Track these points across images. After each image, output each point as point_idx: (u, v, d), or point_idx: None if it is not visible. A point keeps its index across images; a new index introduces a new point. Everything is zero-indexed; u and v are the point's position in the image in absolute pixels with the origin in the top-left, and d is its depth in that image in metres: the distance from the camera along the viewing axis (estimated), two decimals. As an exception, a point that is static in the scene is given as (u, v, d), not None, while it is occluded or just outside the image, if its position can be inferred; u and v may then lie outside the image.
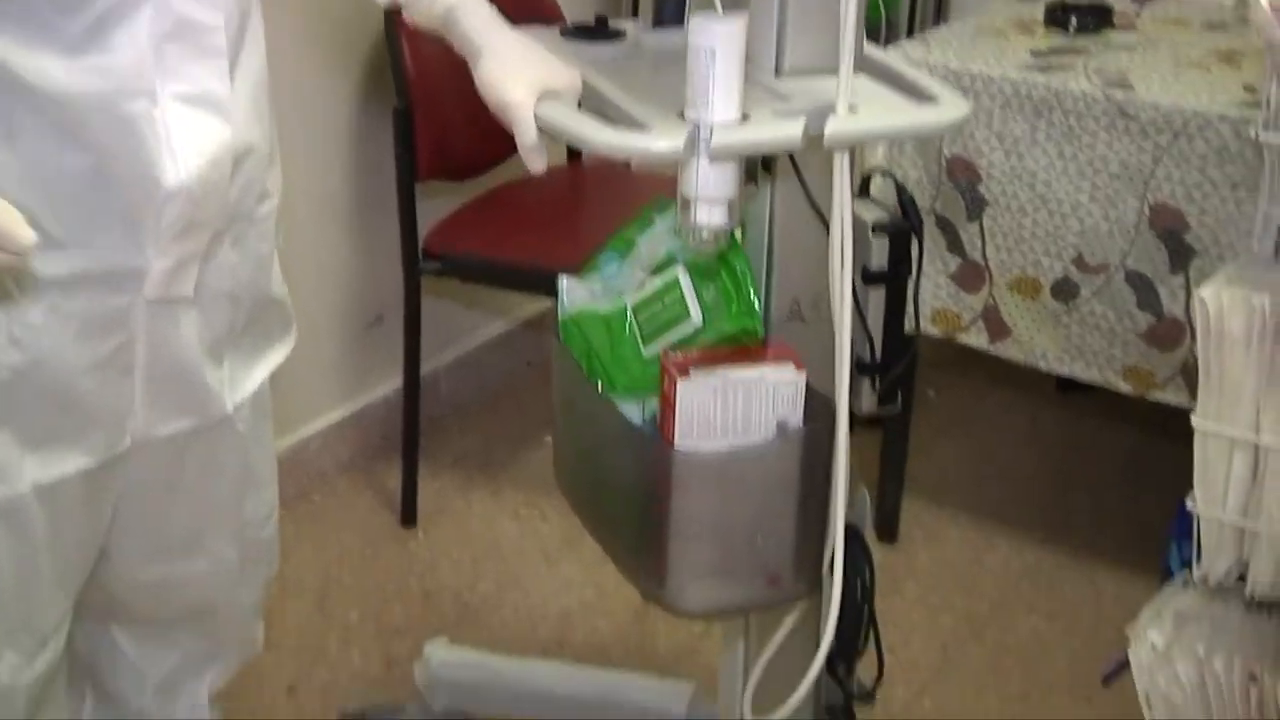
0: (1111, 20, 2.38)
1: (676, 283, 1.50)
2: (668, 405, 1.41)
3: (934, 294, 2.33)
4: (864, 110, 1.32)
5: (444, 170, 2.51)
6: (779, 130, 1.30)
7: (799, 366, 1.43)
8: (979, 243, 2.27)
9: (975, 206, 2.26)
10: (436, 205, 2.55)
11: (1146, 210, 2.10)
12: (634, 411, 1.52)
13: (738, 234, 1.46)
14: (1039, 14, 2.42)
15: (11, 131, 1.13)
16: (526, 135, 1.29)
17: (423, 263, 2.47)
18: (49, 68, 1.11)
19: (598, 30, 1.55)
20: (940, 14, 2.84)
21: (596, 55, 1.49)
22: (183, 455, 1.37)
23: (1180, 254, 2.09)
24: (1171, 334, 2.12)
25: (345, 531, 2.58)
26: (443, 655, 1.98)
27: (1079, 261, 2.19)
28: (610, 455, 1.56)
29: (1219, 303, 1.38)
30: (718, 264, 1.47)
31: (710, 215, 1.29)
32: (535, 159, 1.31)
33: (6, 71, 1.11)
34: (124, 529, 1.38)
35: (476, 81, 1.32)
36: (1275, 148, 1.40)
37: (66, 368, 1.21)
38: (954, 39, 2.35)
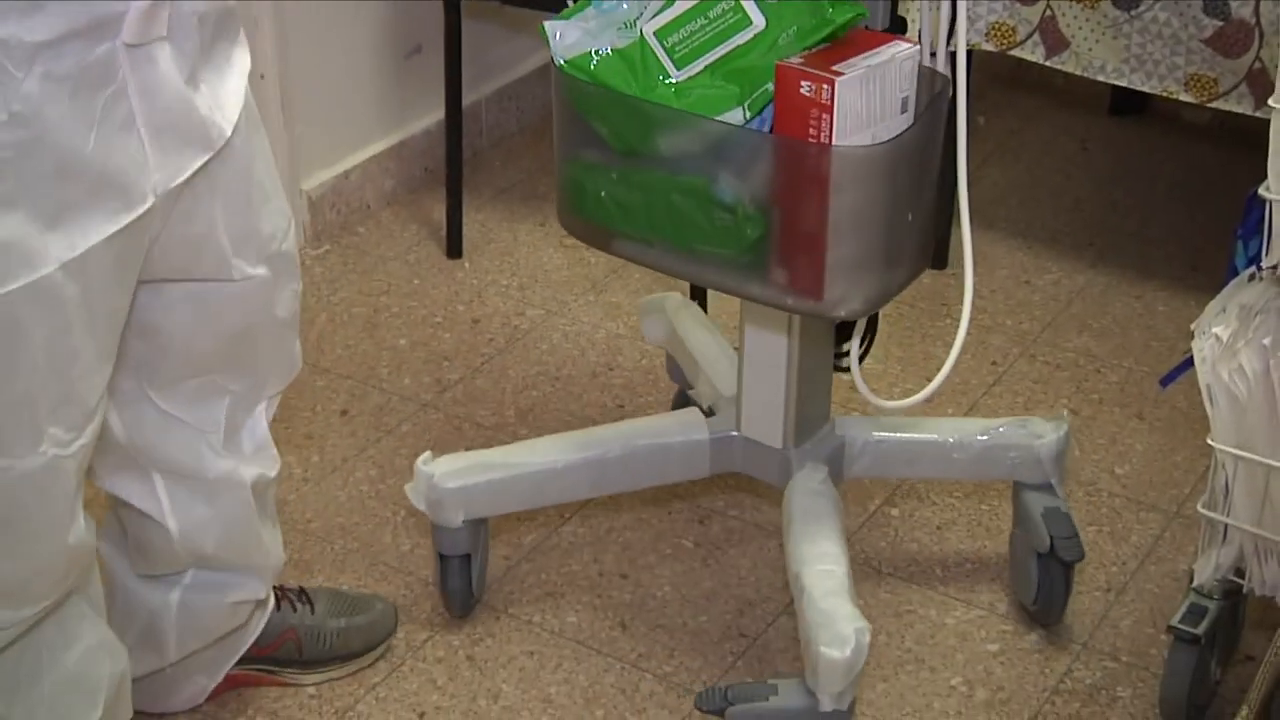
0: None
1: None
2: (818, 108, 1.38)
3: (989, 7, 2.25)
4: None
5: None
6: None
7: (910, 42, 1.42)
8: (1037, -50, 2.19)
9: (1034, -89, 2.17)
10: (473, -75, 2.48)
11: (1216, -93, 2.02)
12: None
13: None
14: None
15: None
16: None
17: (461, -16, 2.41)
18: None
19: None
20: None
21: None
22: (196, 188, 1.34)
23: (1251, -48, 2.01)
24: (1239, 38, 2.05)
25: (391, 263, 2.58)
26: (441, 468, 1.79)
27: (1142, -34, 2.11)
28: (720, 181, 1.50)
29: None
30: None
31: None
32: None
33: None
34: (152, 263, 1.36)
35: None
36: None
37: (69, 133, 1.17)
38: None
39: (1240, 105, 2.10)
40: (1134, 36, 2.15)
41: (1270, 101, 1.39)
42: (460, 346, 2.37)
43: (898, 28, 1.60)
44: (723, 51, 1.46)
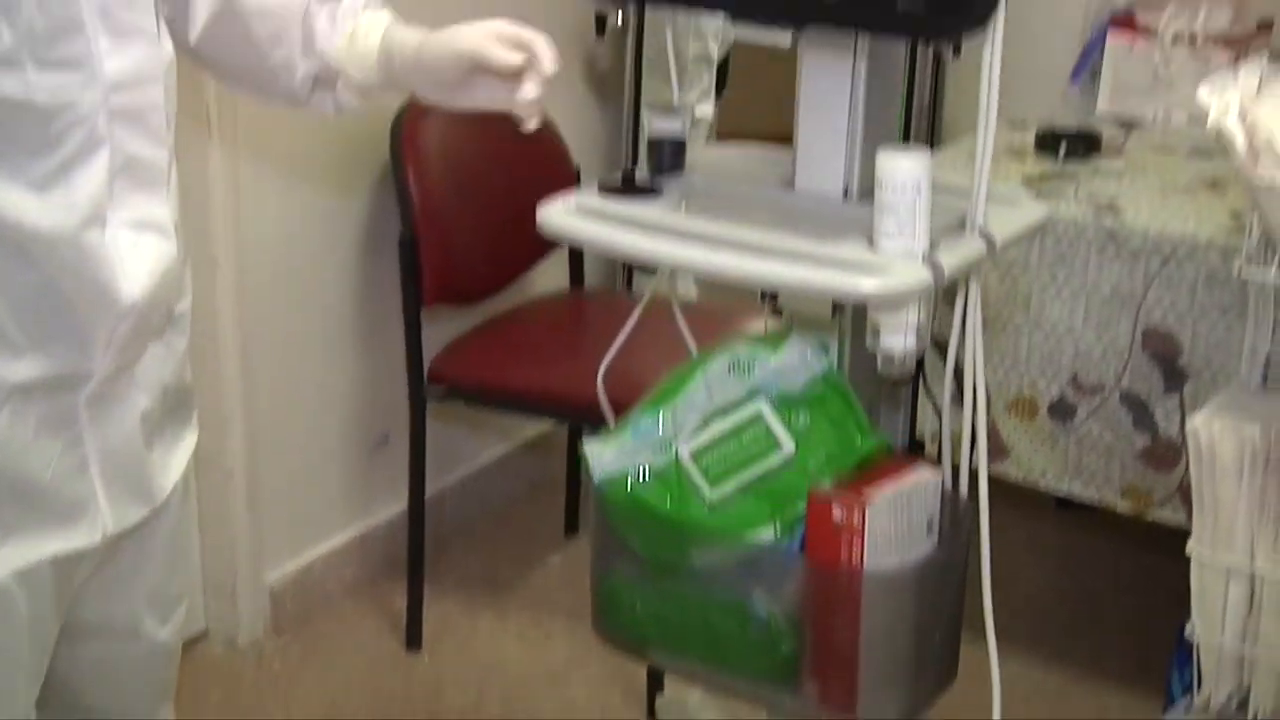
0: (1100, 147, 2.44)
1: (759, 417, 1.55)
2: (849, 532, 1.46)
3: (933, 418, 2.35)
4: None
5: (449, 297, 2.55)
6: (972, 249, 1.45)
7: (933, 467, 1.51)
8: (976, 364, 2.31)
9: (971, 329, 2.30)
10: (442, 328, 2.59)
11: (1139, 333, 2.14)
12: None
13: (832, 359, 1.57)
14: (1030, 141, 2.47)
15: None
16: (501, 60, 1.37)
17: (428, 388, 2.51)
18: (20, 203, 1.23)
19: (639, 186, 1.59)
20: (934, 138, 2.91)
21: (667, 207, 1.55)
22: (133, 542, 1.44)
23: (1174, 376, 2.12)
24: (1168, 455, 2.15)
25: (351, 655, 2.59)
26: None
27: (1075, 382, 2.22)
28: (753, 598, 1.56)
29: (1210, 432, 1.41)
30: (811, 392, 1.53)
31: (907, 340, 1.42)
32: (530, 88, 1.38)
33: None
34: (76, 609, 1.43)
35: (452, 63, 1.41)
36: (1258, 284, 1.43)
37: (28, 467, 1.30)
38: (948, 163, 2.40)
39: (1175, 517, 2.17)
40: (1071, 448, 2.24)
41: (1189, 549, 1.45)
42: (416, 745, 2.36)
43: (916, 449, 1.70)
44: (755, 473, 1.54)
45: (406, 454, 2.57)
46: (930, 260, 1.40)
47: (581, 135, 2.95)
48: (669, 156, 1.60)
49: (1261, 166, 1.33)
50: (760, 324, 2.49)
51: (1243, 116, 1.35)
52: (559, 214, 1.53)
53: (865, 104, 1.54)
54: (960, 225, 1.50)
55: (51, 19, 1.20)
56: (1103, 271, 2.15)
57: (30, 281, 1.26)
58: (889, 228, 1.39)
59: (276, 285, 2.54)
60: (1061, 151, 2.40)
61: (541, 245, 2.74)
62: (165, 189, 1.35)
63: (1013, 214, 1.58)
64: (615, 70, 3.05)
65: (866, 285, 1.39)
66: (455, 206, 2.55)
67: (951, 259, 1.43)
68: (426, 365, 2.51)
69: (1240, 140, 1.34)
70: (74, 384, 1.31)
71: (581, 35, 2.94)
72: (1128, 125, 2.61)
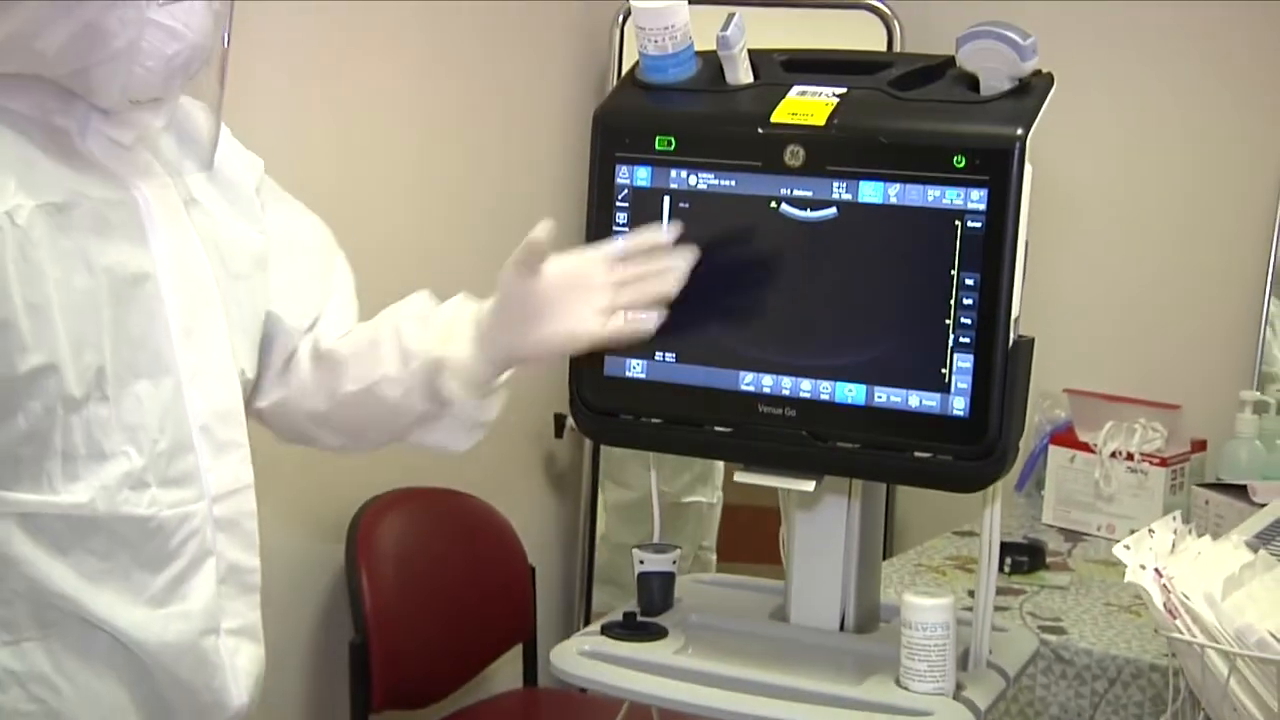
0: (1044, 560, 2.47)
1: None
2: None
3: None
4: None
5: (399, 702, 2.53)
6: (994, 685, 1.47)
7: None
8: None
9: None
10: (390, 734, 2.56)
11: (1090, 757, 2.13)
12: None
13: None
14: (976, 551, 2.50)
15: (117, 669, 1.32)
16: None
17: (372, 799, 2.46)
18: (144, 620, 1.33)
19: (643, 626, 1.60)
20: (886, 549, 2.95)
21: (675, 648, 1.55)
22: None
23: (1127, 802, 2.10)
24: None
25: None
26: None
27: (1028, 804, 2.19)
28: None
29: None
30: None
31: None
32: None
33: (110, 624, 1.31)
34: None
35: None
36: (1188, 735, 1.44)
37: None
38: (895, 575, 2.44)
39: None
40: None
41: None
42: None
43: None
44: None
45: None
46: (965, 700, 1.42)
47: (537, 533, 3.00)
48: (660, 594, 1.63)
49: (1178, 624, 1.35)
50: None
51: (1159, 573, 1.39)
52: (572, 659, 1.54)
53: (860, 538, 1.58)
54: (964, 657, 1.51)
55: (169, 440, 1.33)
56: (1050, 690, 2.15)
57: (152, 695, 1.34)
58: (919, 669, 1.43)
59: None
60: (1007, 565, 2.43)
61: (496, 645, 2.76)
62: (257, 595, 1.44)
63: (1006, 641, 1.60)
64: (573, 468, 3.12)
65: None
66: (408, 608, 2.56)
67: (981, 698, 1.44)
68: (373, 772, 2.47)
69: (1157, 597, 1.37)
70: None
71: (540, 435, 3.02)
72: (1073, 537, 2.66)
